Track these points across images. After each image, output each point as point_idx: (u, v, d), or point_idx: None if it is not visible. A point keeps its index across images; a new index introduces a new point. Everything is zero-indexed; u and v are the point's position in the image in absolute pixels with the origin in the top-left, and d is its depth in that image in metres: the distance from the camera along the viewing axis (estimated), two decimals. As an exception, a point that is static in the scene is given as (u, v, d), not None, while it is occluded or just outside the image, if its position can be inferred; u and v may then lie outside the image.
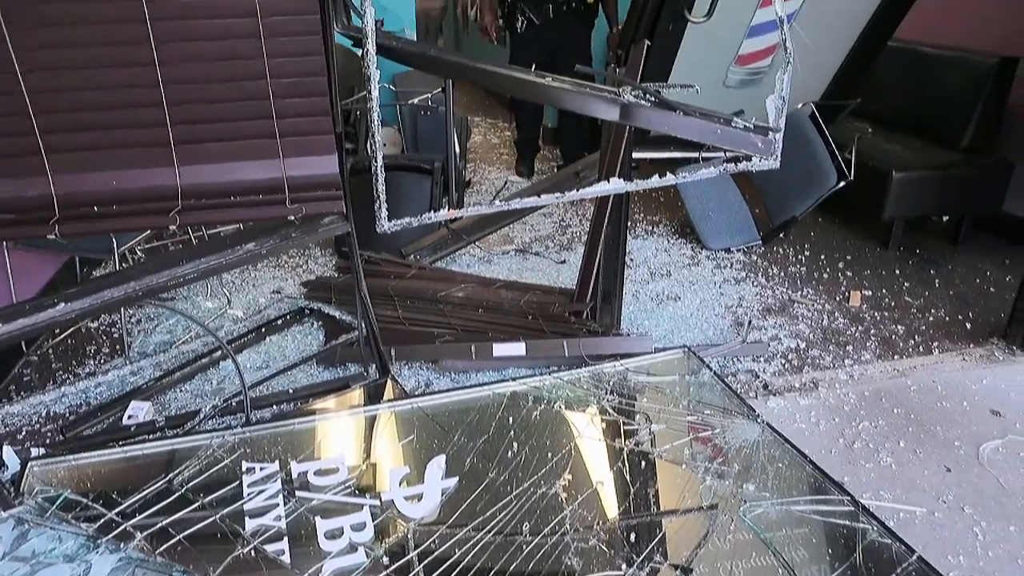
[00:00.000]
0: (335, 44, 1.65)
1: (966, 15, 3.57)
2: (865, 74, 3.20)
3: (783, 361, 2.43)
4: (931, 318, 2.75)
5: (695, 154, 2.89)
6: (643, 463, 1.75)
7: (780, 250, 3.32)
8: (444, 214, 1.66)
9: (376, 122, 1.51)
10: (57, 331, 2.54)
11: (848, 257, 3.27)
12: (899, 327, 2.67)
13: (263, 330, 2.56)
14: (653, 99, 1.58)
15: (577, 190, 1.66)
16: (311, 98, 1.58)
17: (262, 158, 1.64)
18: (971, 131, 3.30)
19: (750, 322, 2.64)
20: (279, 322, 2.61)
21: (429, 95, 3.57)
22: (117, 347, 2.51)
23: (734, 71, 2.92)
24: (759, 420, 1.86)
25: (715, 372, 2.11)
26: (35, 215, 1.70)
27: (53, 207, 1.69)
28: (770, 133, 1.64)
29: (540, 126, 4.46)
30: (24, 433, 2.07)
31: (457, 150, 3.38)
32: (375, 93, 1.50)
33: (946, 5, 3.57)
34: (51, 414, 2.15)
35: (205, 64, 1.57)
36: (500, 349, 2.22)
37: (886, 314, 2.77)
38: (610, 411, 1.90)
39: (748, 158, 1.71)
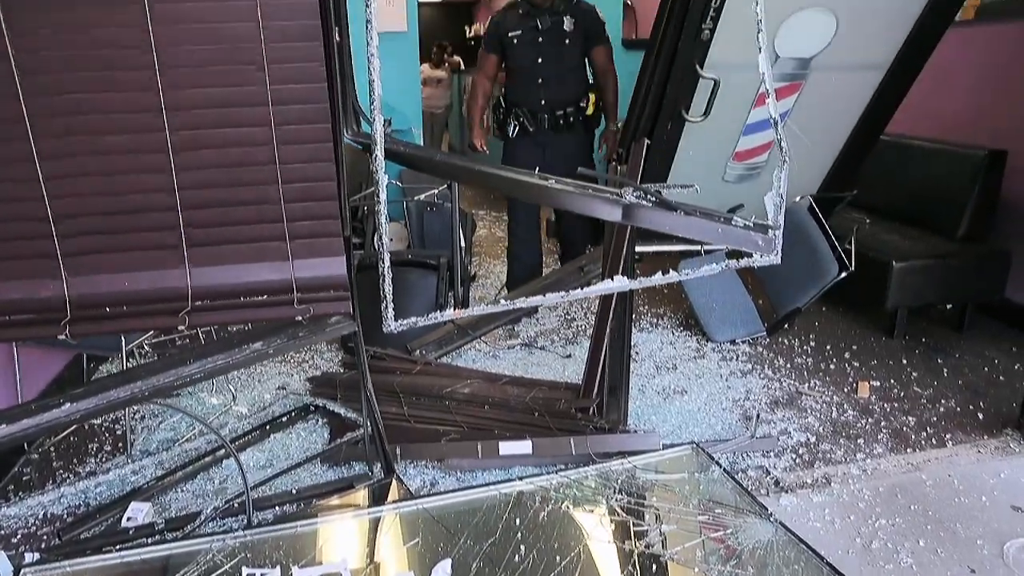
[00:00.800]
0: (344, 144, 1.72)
1: (952, 110, 3.70)
2: (860, 167, 3.28)
3: (794, 456, 2.39)
4: (942, 409, 2.71)
5: (697, 247, 2.94)
6: (654, 566, 1.70)
7: (785, 341, 3.32)
8: (450, 314, 1.68)
9: (384, 225, 1.55)
10: (60, 430, 2.53)
11: (854, 347, 3.26)
12: (910, 418, 2.64)
13: (267, 427, 2.54)
14: (654, 199, 1.62)
15: (582, 288, 1.68)
16: (321, 202, 1.63)
17: (271, 260, 1.67)
18: (966, 221, 3.35)
19: (758, 416, 2.61)
20: (284, 419, 2.59)
21: (435, 191, 3.67)
22: (119, 444, 2.49)
23: (732, 166, 3.00)
24: (772, 519, 1.81)
25: (725, 469, 2.07)
26: (47, 316, 1.72)
27: (65, 308, 1.71)
28: (770, 230, 1.68)
29: (540, 266, 3.83)
30: (20, 536, 2.03)
31: (463, 244, 3.44)
32: (383, 197, 1.54)
33: (932, 101, 3.70)
34: (49, 516, 2.11)
35: (220, 170, 1.62)
36: (506, 447, 2.20)
37: (896, 405, 2.74)
38: (619, 511, 1.86)
39: (750, 254, 1.73)
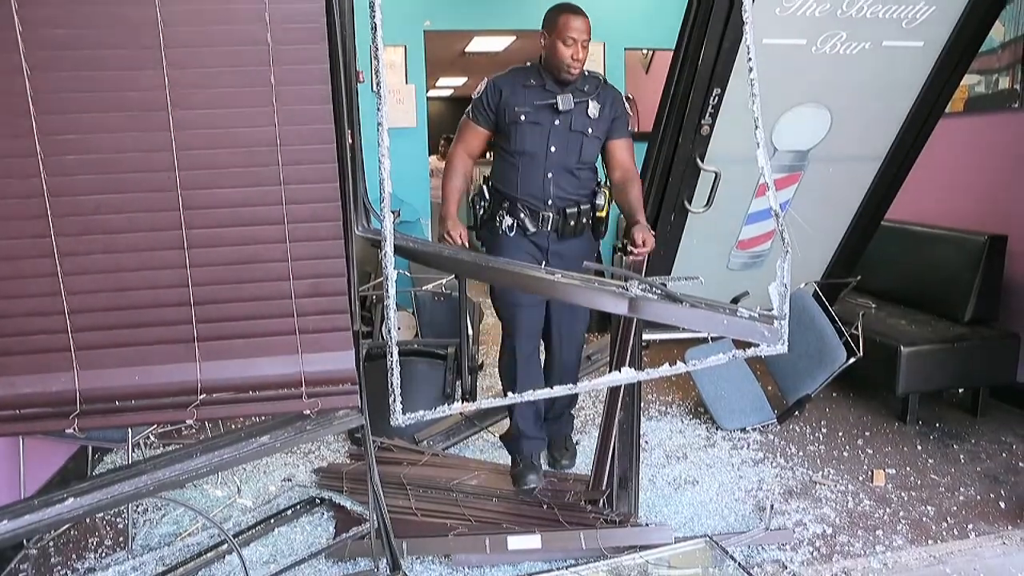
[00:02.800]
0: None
1: (951, 197, 3.77)
2: (862, 253, 3.33)
3: (810, 549, 2.33)
4: (961, 497, 2.65)
5: (704, 334, 2.95)
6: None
7: (797, 428, 3.28)
8: (458, 407, 1.68)
9: (392, 319, 1.58)
10: (62, 525, 2.49)
11: (867, 433, 3.21)
12: (929, 507, 2.58)
13: (272, 521, 2.50)
14: (659, 292, 1.65)
15: (589, 379, 1.69)
16: (331, 297, 1.66)
17: (281, 354, 1.69)
18: (972, 305, 3.37)
19: (772, 507, 2.55)
20: (289, 512, 2.55)
21: (443, 281, 3.71)
22: (120, 539, 2.45)
23: (736, 255, 3.05)
24: (791, 619, 1.75)
25: (740, 563, 2.02)
26: (57, 409, 1.73)
27: (75, 402, 1.72)
28: (775, 320, 1.69)
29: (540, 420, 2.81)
30: (15, 640, 1.97)
31: (470, 333, 3.45)
32: (392, 292, 1.57)
33: (930, 188, 3.78)
34: (45, 618, 2.06)
35: (233, 267, 1.66)
36: (515, 542, 2.15)
37: (913, 494, 2.68)
38: (632, 610, 1.80)
39: (756, 343, 1.74)
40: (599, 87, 2.61)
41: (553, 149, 2.58)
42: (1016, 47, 3.36)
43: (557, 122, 2.56)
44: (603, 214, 2.68)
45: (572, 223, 2.62)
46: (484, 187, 2.71)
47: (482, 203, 2.71)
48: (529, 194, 2.60)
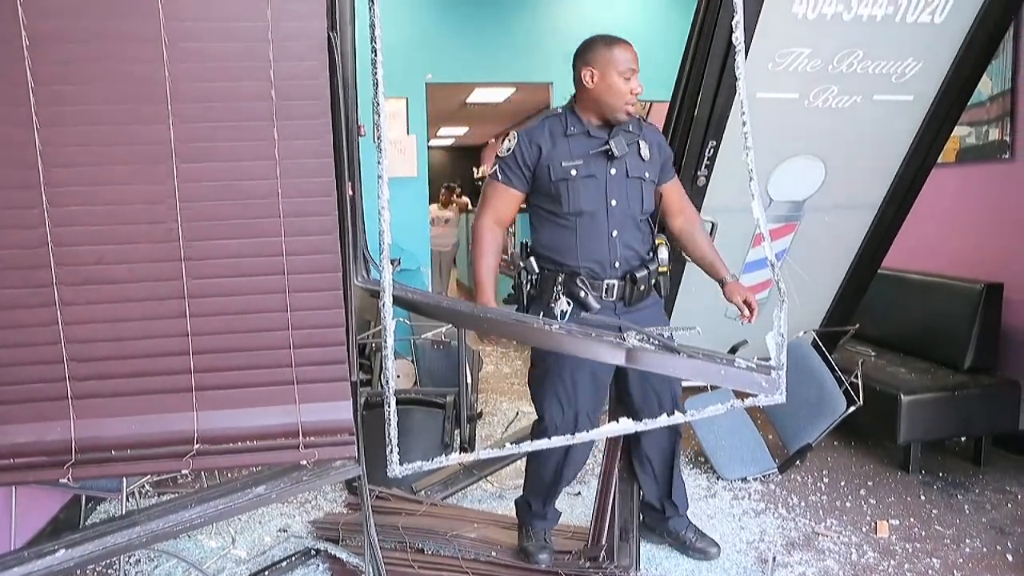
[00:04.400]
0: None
1: (946, 245, 3.81)
2: (860, 301, 3.34)
3: (815, 603, 2.29)
4: (967, 549, 2.61)
5: (704, 383, 2.94)
6: None
7: (798, 477, 3.25)
8: (455, 458, 1.67)
9: (390, 368, 1.58)
10: None
11: (869, 483, 3.18)
12: (934, 560, 2.54)
13: (266, 573, 2.46)
14: (656, 343, 1.65)
15: (587, 431, 1.68)
16: (329, 347, 1.67)
17: (279, 404, 1.68)
18: (972, 353, 3.37)
19: (775, 559, 2.51)
20: (283, 564, 2.51)
21: (442, 329, 3.72)
22: (112, 593, 2.41)
23: (734, 303, 3.06)
24: (795, 677, 1.71)
25: (742, 619, 1.98)
26: (52, 459, 1.72)
27: (70, 451, 1.71)
28: (773, 371, 1.69)
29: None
30: None
31: (469, 381, 3.44)
32: (391, 342, 1.58)
33: (926, 237, 3.82)
34: (33, 676, 2.00)
35: (233, 317, 1.67)
36: (513, 596, 2.11)
37: (918, 546, 2.64)
38: (632, 668, 1.76)
39: (755, 393, 1.74)
40: (642, 126, 2.30)
41: (614, 203, 2.22)
42: (1004, 100, 3.43)
43: (613, 171, 2.21)
44: (666, 269, 2.33)
45: (642, 288, 2.24)
46: (532, 260, 2.27)
47: (529, 279, 2.27)
48: (592, 260, 2.21)
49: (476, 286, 2.24)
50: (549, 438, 1.77)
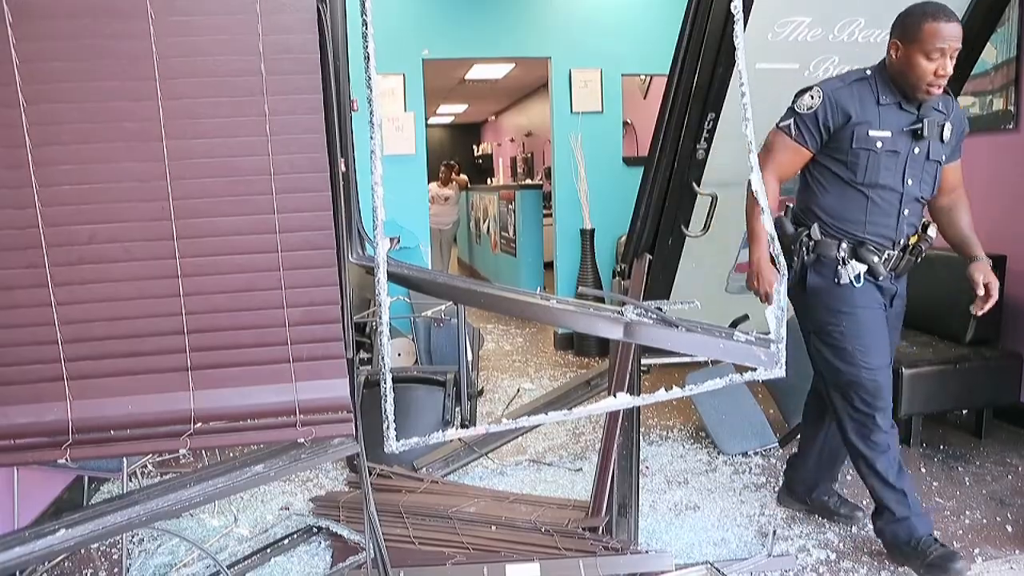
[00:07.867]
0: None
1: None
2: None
3: (814, 575, 2.29)
4: (967, 521, 2.62)
5: (704, 359, 2.93)
6: None
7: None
8: (452, 433, 1.67)
9: (386, 346, 1.57)
10: (56, 557, 2.46)
11: (870, 457, 3.18)
12: (934, 532, 2.54)
13: (268, 551, 2.48)
14: (655, 316, 1.64)
15: (585, 405, 1.67)
16: (325, 325, 1.66)
17: (275, 382, 1.68)
18: (973, 325, 3.35)
19: (775, 532, 2.52)
20: (286, 541, 2.53)
21: (443, 307, 3.71)
22: (115, 570, 2.42)
23: (734, 278, 3.04)
24: (794, 648, 1.72)
25: (742, 592, 1.99)
26: (50, 439, 1.72)
27: (68, 432, 1.71)
28: (772, 344, 1.68)
29: None
30: (6, 677, 1.94)
31: (470, 358, 3.44)
32: (386, 318, 1.57)
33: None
34: (37, 654, 2.03)
35: (227, 295, 1.66)
36: (513, 571, 2.12)
37: (918, 519, 2.65)
38: (632, 641, 1.77)
39: (754, 368, 1.73)
40: (951, 105, 2.22)
41: (910, 182, 2.17)
42: (1008, 69, 3.38)
43: (916, 150, 2.15)
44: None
45: (918, 260, 2.27)
46: (816, 225, 2.24)
47: (810, 243, 2.24)
48: (879, 234, 2.20)
49: (753, 242, 2.21)
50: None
